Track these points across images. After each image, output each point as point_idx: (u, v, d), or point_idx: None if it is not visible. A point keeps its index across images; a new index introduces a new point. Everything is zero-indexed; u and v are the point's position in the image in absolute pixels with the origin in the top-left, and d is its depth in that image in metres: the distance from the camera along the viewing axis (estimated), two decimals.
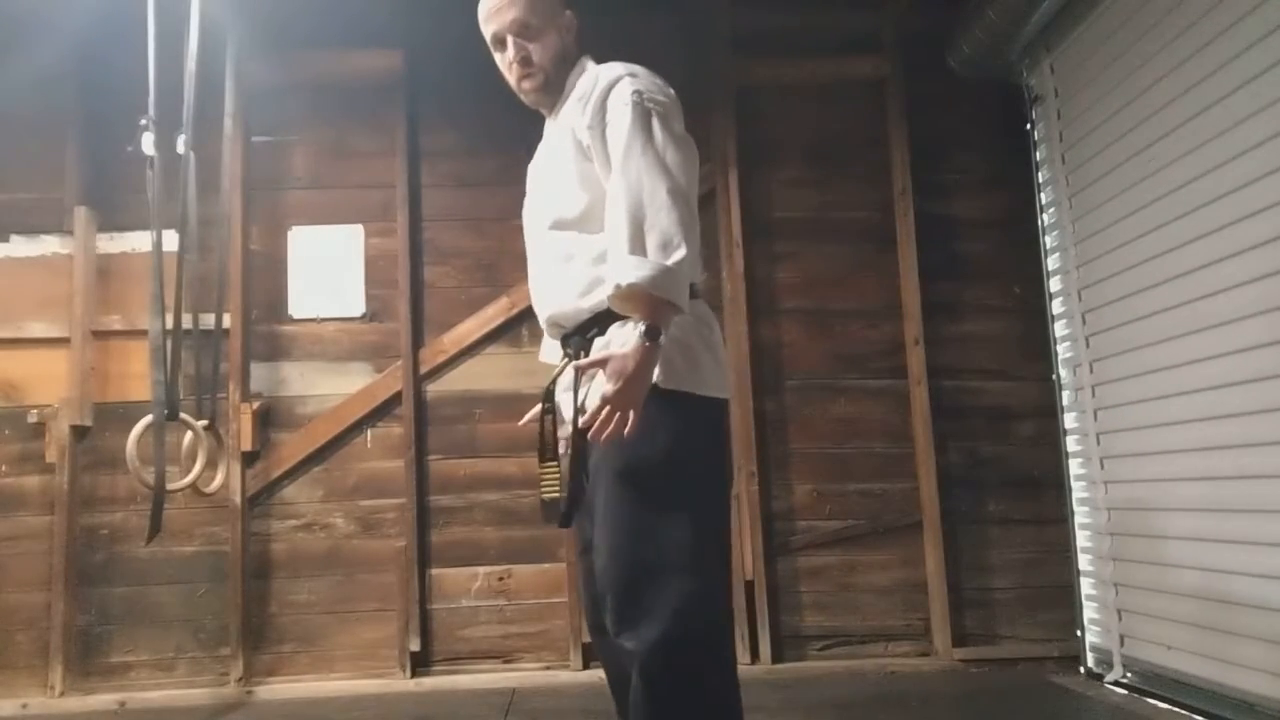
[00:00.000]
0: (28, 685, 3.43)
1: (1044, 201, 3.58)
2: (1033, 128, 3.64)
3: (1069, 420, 3.48)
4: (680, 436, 1.58)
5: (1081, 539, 3.43)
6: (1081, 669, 3.38)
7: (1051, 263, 3.55)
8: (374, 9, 3.71)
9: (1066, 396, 3.49)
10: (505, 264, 3.69)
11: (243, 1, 3.52)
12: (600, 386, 1.52)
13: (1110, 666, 3.23)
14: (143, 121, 3.05)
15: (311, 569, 3.58)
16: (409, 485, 3.59)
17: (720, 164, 3.76)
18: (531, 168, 1.87)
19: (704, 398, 1.62)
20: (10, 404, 3.57)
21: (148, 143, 3.06)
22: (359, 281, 3.73)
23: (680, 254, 1.49)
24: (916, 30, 3.79)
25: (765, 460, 3.67)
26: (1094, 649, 3.36)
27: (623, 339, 1.54)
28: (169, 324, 3.13)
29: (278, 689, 3.46)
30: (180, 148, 3.13)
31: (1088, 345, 3.34)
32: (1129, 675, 3.14)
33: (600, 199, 1.63)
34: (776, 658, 3.55)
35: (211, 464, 3.31)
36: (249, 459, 3.58)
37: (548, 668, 3.55)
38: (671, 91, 1.69)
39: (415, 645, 3.51)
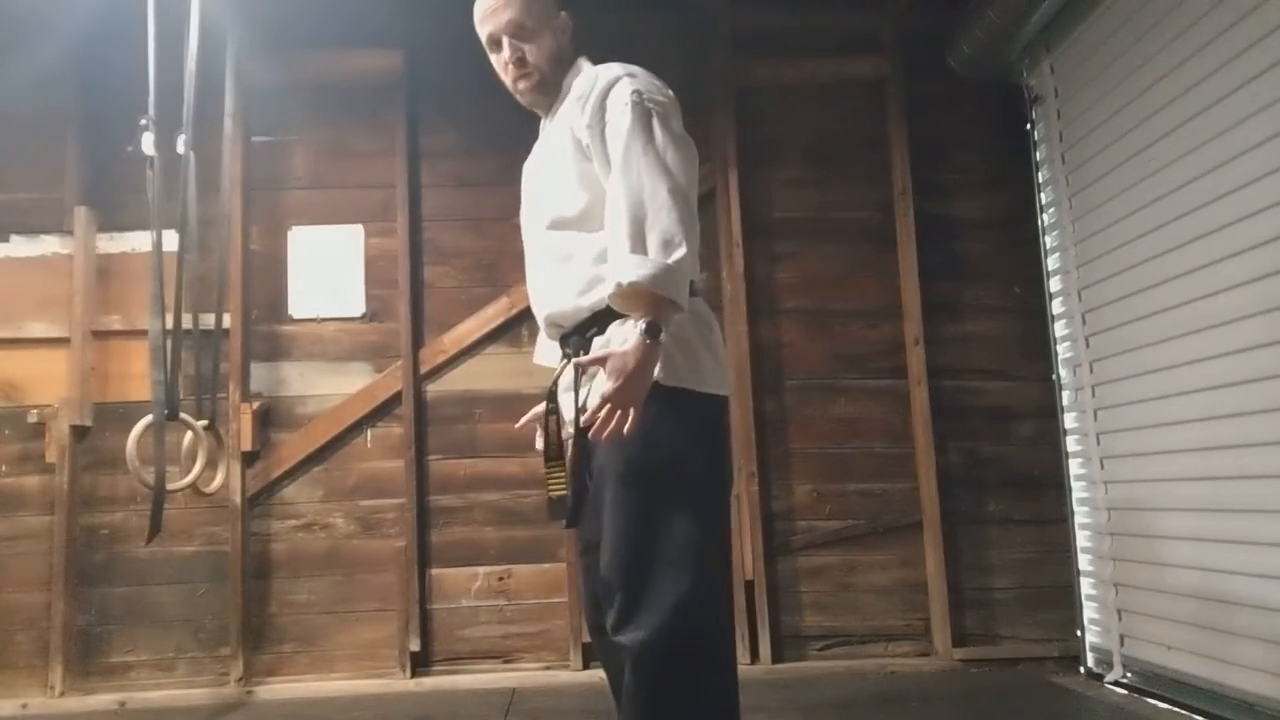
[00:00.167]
0: (28, 685, 3.43)
1: (1044, 201, 3.58)
2: (1033, 128, 3.64)
3: (1069, 420, 3.48)
4: (682, 434, 1.59)
5: (1081, 539, 3.43)
6: (1081, 669, 3.38)
7: (1051, 263, 3.55)
8: (374, 9, 3.71)
9: (1066, 396, 3.49)
10: (505, 264, 3.69)
11: (243, 1, 3.52)
12: (601, 385, 1.53)
13: (1110, 666, 3.23)
14: (143, 121, 3.05)
15: (311, 569, 3.58)
16: (409, 485, 3.59)
17: (720, 164, 3.76)
18: (526, 168, 1.87)
19: (705, 395, 1.63)
20: (10, 404, 3.57)
21: (148, 143, 3.06)
22: (359, 281, 3.73)
23: (681, 253, 1.50)
24: (916, 30, 3.79)
25: (765, 460, 3.67)
26: (1094, 649, 3.36)
27: (623, 337, 1.54)
28: (169, 324, 3.13)
29: (278, 689, 3.46)
30: (180, 148, 3.13)
31: (1088, 345, 3.34)
32: (1129, 675, 3.14)
33: (599, 198, 1.63)
34: (776, 658, 3.55)
35: (211, 464, 3.31)
36: (249, 459, 3.58)
37: (548, 668, 3.55)
38: (670, 92, 1.69)
39: (415, 645, 3.51)
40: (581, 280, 1.66)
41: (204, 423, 3.28)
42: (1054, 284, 3.55)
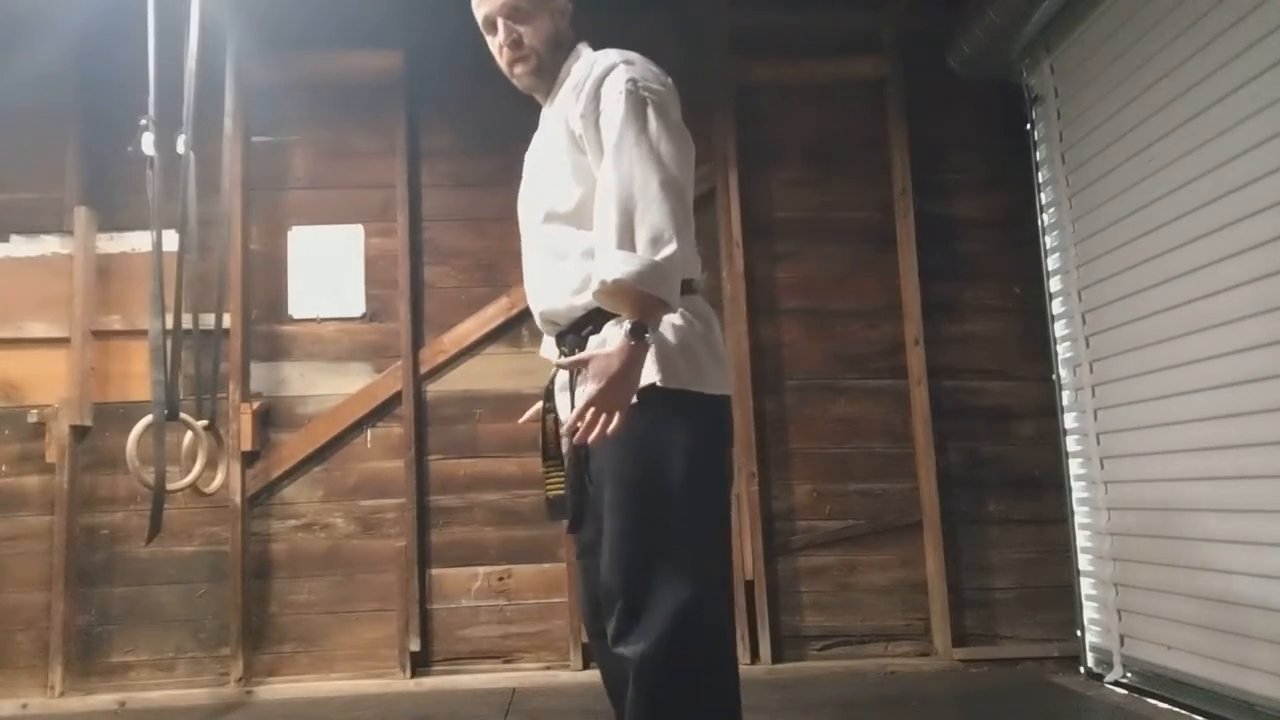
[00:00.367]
0: (28, 685, 3.43)
1: (1044, 201, 3.58)
2: (1033, 128, 3.64)
3: (1069, 420, 3.48)
4: (681, 438, 1.55)
5: (1081, 539, 3.43)
6: (1081, 669, 3.38)
7: (1051, 263, 3.55)
8: (373, 9, 3.71)
9: (1066, 396, 3.49)
10: (505, 264, 3.69)
11: (242, 1, 3.52)
12: (592, 380, 1.49)
13: (1110, 666, 3.23)
14: (143, 121, 3.05)
15: (311, 569, 3.58)
16: (409, 485, 3.59)
17: (720, 164, 3.76)
18: (528, 156, 1.83)
19: (705, 396, 1.59)
20: (10, 404, 3.57)
21: (148, 143, 3.06)
22: (359, 281, 3.73)
23: (670, 249, 1.45)
24: (916, 30, 3.79)
25: (765, 460, 3.67)
26: (1094, 649, 3.36)
27: (617, 334, 1.50)
28: (169, 324, 3.13)
29: (278, 689, 3.46)
30: (180, 148, 3.13)
31: (1088, 345, 3.34)
32: (1129, 675, 3.14)
33: (593, 192, 1.57)
34: (776, 658, 3.55)
35: (211, 464, 3.31)
36: (249, 459, 3.58)
37: (548, 668, 3.55)
38: (669, 80, 1.64)
39: (415, 645, 3.51)
40: (575, 279, 1.61)
41: (204, 423, 3.28)
42: (1054, 284, 3.55)
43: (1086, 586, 3.41)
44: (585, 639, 3.41)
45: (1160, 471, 2.96)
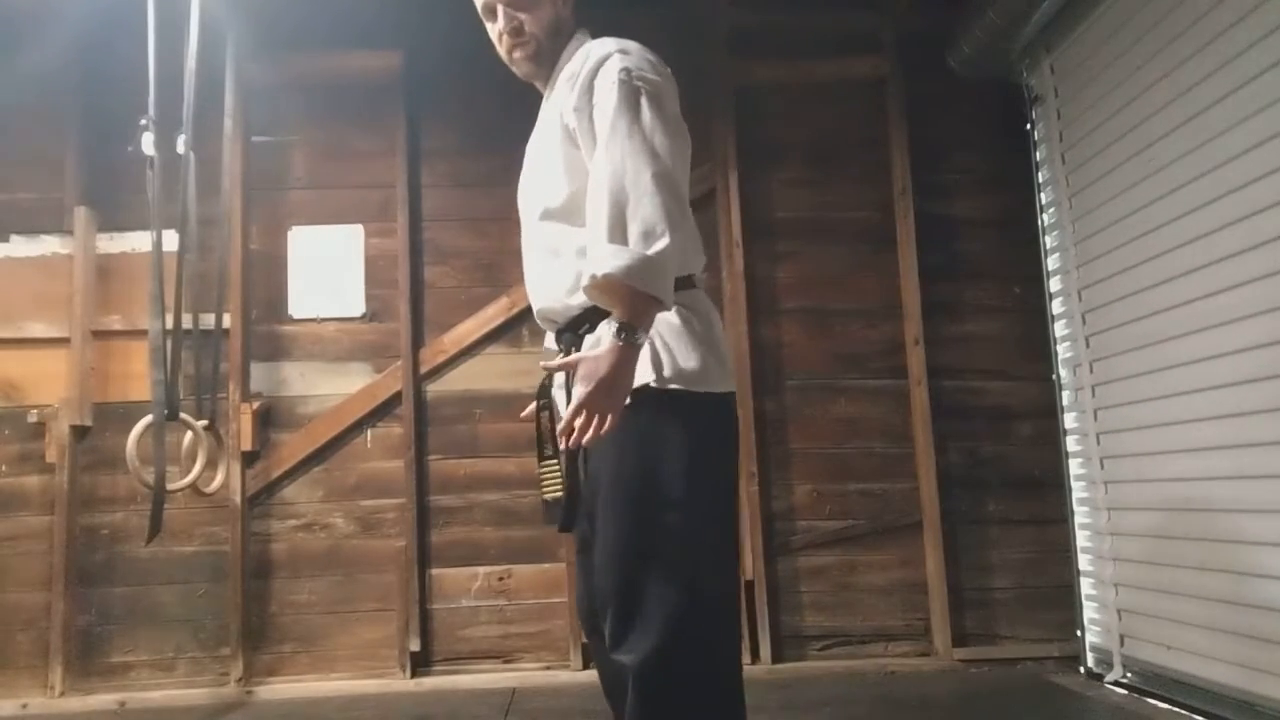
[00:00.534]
0: (28, 685, 3.43)
1: (1044, 201, 3.58)
2: (1033, 128, 3.64)
3: (1069, 420, 3.48)
4: (680, 442, 1.51)
5: (1081, 539, 3.43)
6: (1081, 669, 3.38)
7: (1051, 263, 3.55)
8: (373, 9, 3.71)
9: (1066, 396, 3.49)
10: (505, 264, 3.69)
11: (243, 1, 3.52)
12: (579, 383, 1.45)
13: (1110, 666, 3.23)
14: (143, 121, 3.05)
15: (311, 569, 3.58)
16: (409, 485, 3.59)
17: (720, 164, 3.76)
18: (528, 147, 1.79)
19: (706, 395, 1.55)
20: (10, 404, 3.57)
21: (148, 143, 3.06)
22: (359, 281, 3.73)
23: (663, 243, 1.40)
24: (916, 30, 3.79)
25: (765, 460, 3.67)
26: (1094, 649, 3.36)
27: (609, 334, 1.46)
28: (169, 324, 3.13)
29: (278, 689, 3.46)
30: (180, 148, 3.13)
31: (1088, 345, 3.34)
32: (1129, 675, 3.14)
33: (586, 188, 1.53)
34: (776, 658, 3.55)
35: (211, 464, 3.31)
36: (249, 459, 3.58)
37: (548, 668, 3.55)
38: (666, 70, 1.60)
39: (415, 645, 3.51)
40: (569, 277, 1.58)
41: (204, 423, 3.28)
42: (1054, 284, 3.55)
43: (1086, 586, 3.41)
44: (585, 638, 3.41)
45: (1160, 471, 2.96)
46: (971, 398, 3.73)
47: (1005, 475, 3.69)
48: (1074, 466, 3.46)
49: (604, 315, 1.51)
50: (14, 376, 3.59)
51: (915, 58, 3.81)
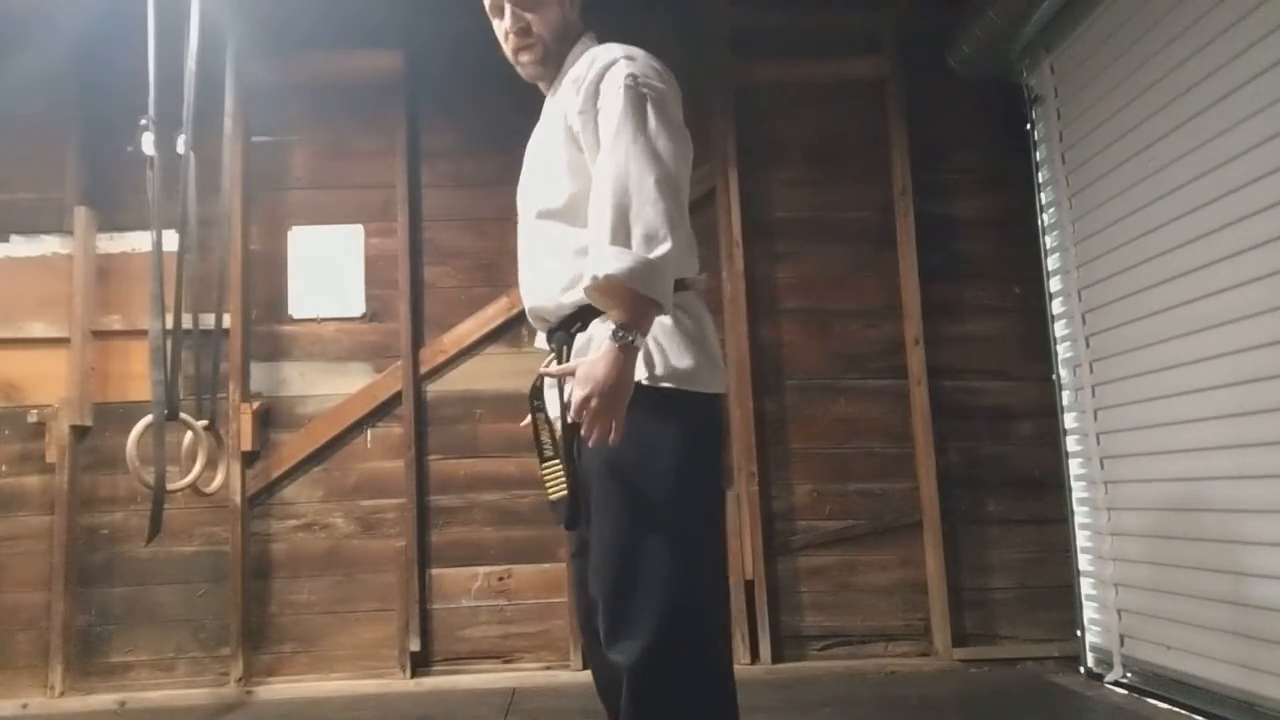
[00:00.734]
0: (28, 685, 3.43)
1: (1044, 201, 3.58)
2: (1033, 128, 3.64)
3: (1069, 420, 3.48)
4: (671, 439, 1.52)
5: (1081, 539, 3.43)
6: (1081, 669, 3.38)
7: (1051, 263, 3.55)
8: (374, 9, 3.71)
9: (1066, 396, 3.49)
10: (505, 264, 3.68)
11: (243, 1, 3.52)
12: (578, 386, 1.46)
13: (1110, 666, 3.23)
14: (143, 121, 3.05)
15: (311, 569, 3.58)
16: (409, 485, 3.59)
17: (720, 164, 3.76)
18: (528, 146, 1.80)
19: (696, 395, 1.56)
20: (10, 404, 3.57)
21: (148, 143, 3.06)
22: (359, 281, 3.73)
23: (665, 248, 1.42)
24: (916, 30, 3.79)
25: (765, 460, 3.67)
26: (1094, 649, 3.36)
27: (604, 334, 1.47)
28: (169, 324, 3.13)
29: (278, 689, 3.46)
30: (180, 148, 3.13)
31: (1088, 345, 3.34)
32: (1129, 675, 3.14)
33: (586, 190, 1.55)
34: (776, 658, 3.55)
35: (211, 464, 3.31)
36: (249, 459, 3.58)
37: (548, 668, 3.55)
38: (671, 77, 1.61)
39: (415, 645, 3.51)
40: (564, 276, 1.59)
41: (204, 423, 3.28)
42: (1054, 284, 3.55)
43: (1086, 586, 3.41)
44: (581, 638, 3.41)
45: (1160, 471, 2.96)
46: (971, 398, 3.73)
47: (1005, 475, 3.69)
48: (1074, 466, 3.46)
49: (596, 315, 1.53)
50: (14, 376, 3.59)
51: (915, 58, 3.81)
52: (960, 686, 3.33)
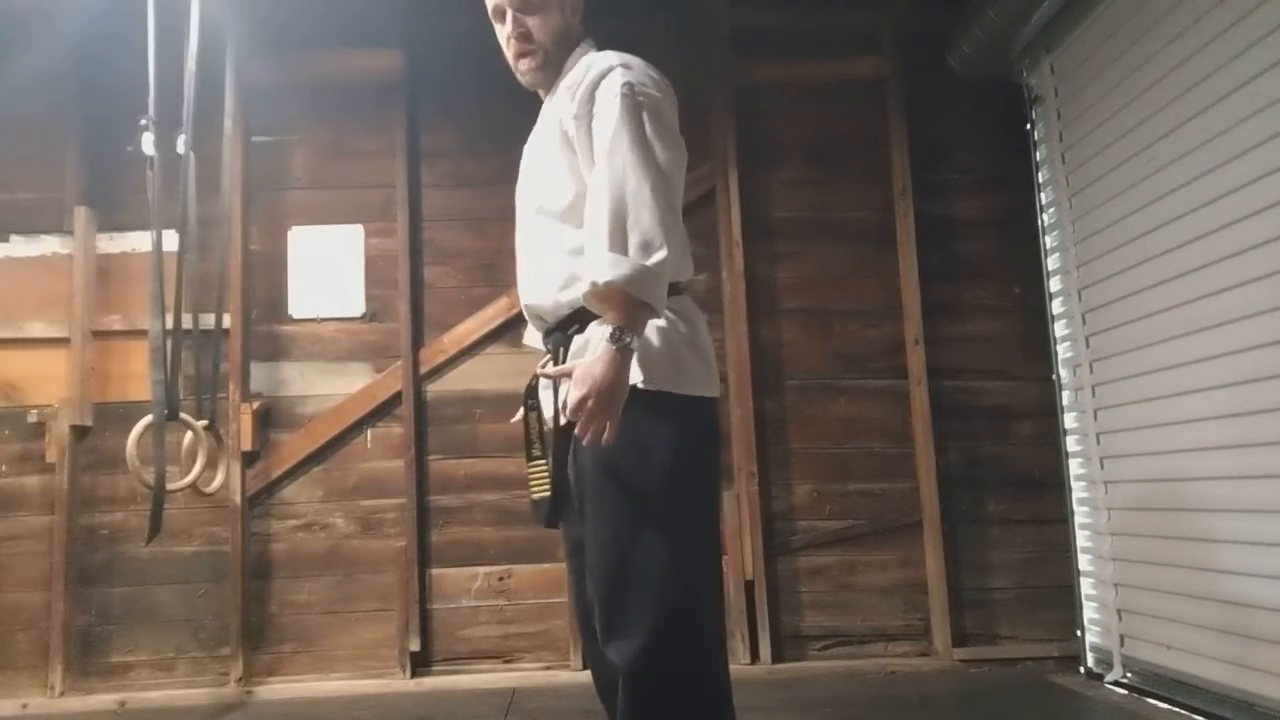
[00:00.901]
0: (28, 685, 3.43)
1: (1044, 201, 3.58)
2: (1033, 128, 3.64)
3: (1069, 420, 3.48)
4: (663, 441, 1.54)
5: (1081, 539, 3.43)
6: (1081, 669, 3.38)
7: (1051, 263, 3.55)
8: (374, 9, 3.71)
9: (1066, 396, 3.49)
10: (505, 264, 3.67)
11: (243, 1, 3.53)
12: (575, 387, 1.48)
13: (1110, 666, 3.23)
14: (143, 121, 3.05)
15: (311, 569, 3.58)
16: (409, 485, 3.59)
17: (720, 164, 3.75)
18: (526, 148, 1.81)
19: (689, 398, 1.58)
20: (10, 404, 3.57)
21: (148, 143, 3.07)
22: (359, 281, 3.73)
23: (661, 255, 1.45)
24: (916, 30, 3.79)
25: (765, 460, 3.67)
26: (1094, 649, 3.36)
27: (599, 339, 1.50)
28: (169, 324, 3.13)
29: (278, 689, 3.46)
30: (180, 148, 3.13)
31: (1088, 345, 3.34)
32: (1129, 675, 3.14)
33: (583, 193, 1.58)
34: (776, 658, 3.55)
35: (211, 464, 3.31)
36: (249, 459, 3.58)
37: (548, 668, 3.55)
38: (667, 85, 1.63)
39: (415, 645, 3.51)
40: (561, 276, 1.61)
41: (204, 423, 3.28)
42: (1054, 284, 3.55)
43: (1086, 586, 3.41)
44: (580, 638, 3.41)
45: (1160, 472, 2.96)
46: (971, 398, 3.73)
47: (1005, 475, 3.69)
48: (1074, 466, 3.46)
49: (592, 317, 1.56)
50: (14, 376, 3.59)
51: (915, 58, 3.81)
52: (960, 686, 3.33)
